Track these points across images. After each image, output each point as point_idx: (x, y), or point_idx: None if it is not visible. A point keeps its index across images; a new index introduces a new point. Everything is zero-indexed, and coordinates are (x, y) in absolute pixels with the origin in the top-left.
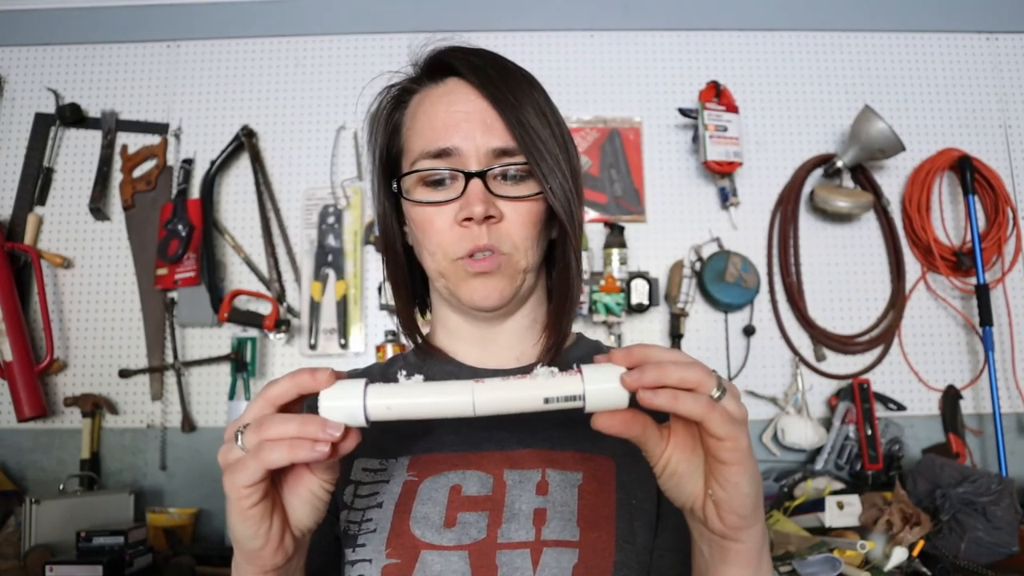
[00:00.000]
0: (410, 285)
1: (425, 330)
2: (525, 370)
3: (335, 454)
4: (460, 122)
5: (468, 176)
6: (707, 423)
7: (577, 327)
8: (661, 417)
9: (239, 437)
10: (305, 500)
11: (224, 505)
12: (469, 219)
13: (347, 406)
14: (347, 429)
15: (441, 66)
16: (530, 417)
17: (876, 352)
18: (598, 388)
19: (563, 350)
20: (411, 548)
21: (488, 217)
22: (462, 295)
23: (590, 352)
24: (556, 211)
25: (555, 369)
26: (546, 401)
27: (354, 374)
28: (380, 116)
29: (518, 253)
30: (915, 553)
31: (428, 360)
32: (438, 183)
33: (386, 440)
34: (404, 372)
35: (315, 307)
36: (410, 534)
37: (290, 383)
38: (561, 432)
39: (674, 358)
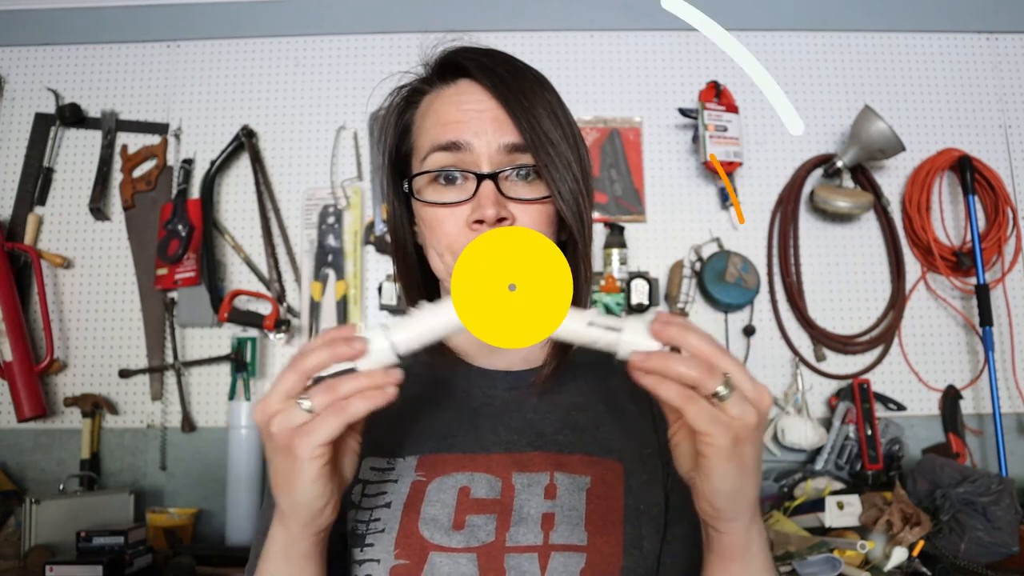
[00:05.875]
0: (421, 285)
1: None
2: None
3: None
4: (471, 119)
5: (480, 177)
6: (684, 413)
7: None
8: None
9: (303, 401)
10: (351, 452)
11: (223, 505)
12: (481, 221)
13: (378, 348)
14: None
15: (452, 67)
16: (539, 420)
17: (876, 352)
18: (635, 339)
19: (572, 352)
20: (420, 549)
21: (500, 220)
22: None
23: (600, 354)
24: (564, 216)
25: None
26: (590, 324)
27: None
28: (390, 116)
29: None
30: (915, 553)
31: (439, 360)
32: (449, 182)
33: (394, 439)
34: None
35: (315, 307)
36: (419, 535)
37: (328, 355)
38: (570, 436)
39: (696, 346)
